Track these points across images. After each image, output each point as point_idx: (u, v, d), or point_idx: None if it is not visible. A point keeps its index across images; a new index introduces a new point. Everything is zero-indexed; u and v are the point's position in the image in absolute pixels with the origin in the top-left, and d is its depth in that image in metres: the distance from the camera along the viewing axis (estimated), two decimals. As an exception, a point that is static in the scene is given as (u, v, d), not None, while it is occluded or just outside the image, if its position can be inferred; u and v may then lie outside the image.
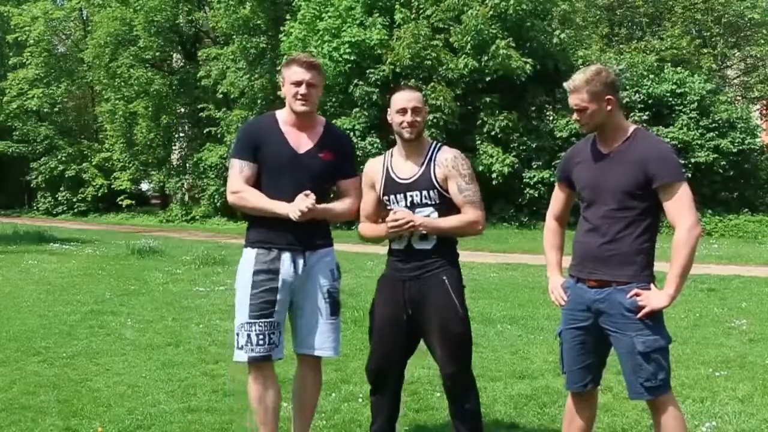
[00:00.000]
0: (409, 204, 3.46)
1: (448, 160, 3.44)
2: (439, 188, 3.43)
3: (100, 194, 33.84)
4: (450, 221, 3.43)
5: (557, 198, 3.44)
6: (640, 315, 3.04)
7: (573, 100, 3.12)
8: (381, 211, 3.61)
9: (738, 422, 4.24)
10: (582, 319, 3.21)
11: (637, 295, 3.05)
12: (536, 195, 20.45)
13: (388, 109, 3.51)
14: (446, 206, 3.44)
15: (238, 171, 3.51)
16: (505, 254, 14.86)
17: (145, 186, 36.59)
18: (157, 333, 6.96)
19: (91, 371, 5.57)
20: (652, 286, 3.09)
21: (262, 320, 3.47)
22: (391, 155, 3.59)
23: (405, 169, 3.50)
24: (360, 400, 4.69)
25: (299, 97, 3.45)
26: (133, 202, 33.05)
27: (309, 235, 3.53)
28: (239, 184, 3.51)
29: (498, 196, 20.99)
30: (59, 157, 34.67)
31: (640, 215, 3.09)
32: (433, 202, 3.44)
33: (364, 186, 3.67)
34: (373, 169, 3.63)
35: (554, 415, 4.38)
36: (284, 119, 3.57)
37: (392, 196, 3.52)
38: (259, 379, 3.55)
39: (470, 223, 3.44)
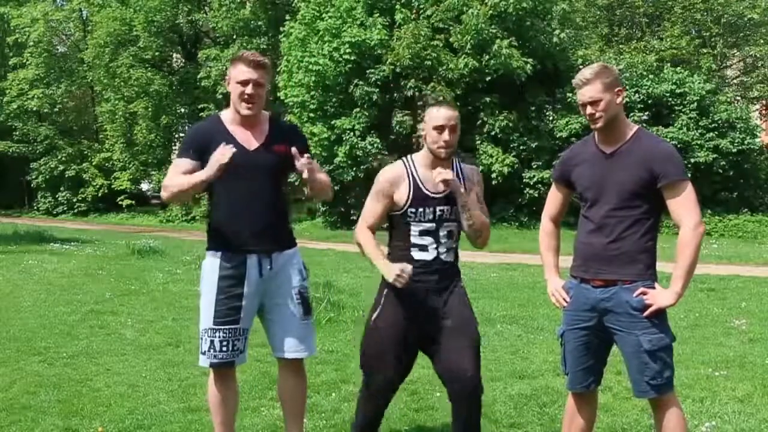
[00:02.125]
0: (437, 218, 3.43)
1: (473, 175, 3.53)
2: None
3: (100, 194, 33.86)
4: (479, 209, 3.48)
5: (554, 199, 3.44)
6: (647, 313, 3.04)
7: (586, 93, 3.08)
8: (383, 222, 3.53)
9: (737, 422, 4.24)
10: (586, 319, 3.21)
11: (643, 293, 3.06)
12: (536, 195, 20.45)
13: (423, 123, 3.41)
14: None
15: (174, 167, 3.45)
16: (505, 254, 14.87)
17: (145, 186, 36.61)
18: (157, 333, 6.96)
19: (91, 371, 5.57)
20: (656, 284, 3.11)
21: (227, 327, 3.42)
22: (414, 165, 3.47)
23: (435, 183, 3.40)
24: (360, 400, 4.69)
25: (245, 98, 3.36)
26: (133, 202, 33.06)
27: (274, 237, 3.47)
28: (168, 178, 3.43)
29: (498, 196, 21.00)
30: (59, 157, 34.69)
31: (643, 214, 3.10)
32: (457, 217, 3.45)
33: (378, 193, 3.46)
34: (395, 179, 3.45)
35: (554, 415, 4.38)
36: (230, 119, 3.47)
37: (421, 209, 3.42)
38: (220, 384, 3.53)
39: (487, 222, 3.50)
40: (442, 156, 3.37)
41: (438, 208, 3.44)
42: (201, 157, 3.38)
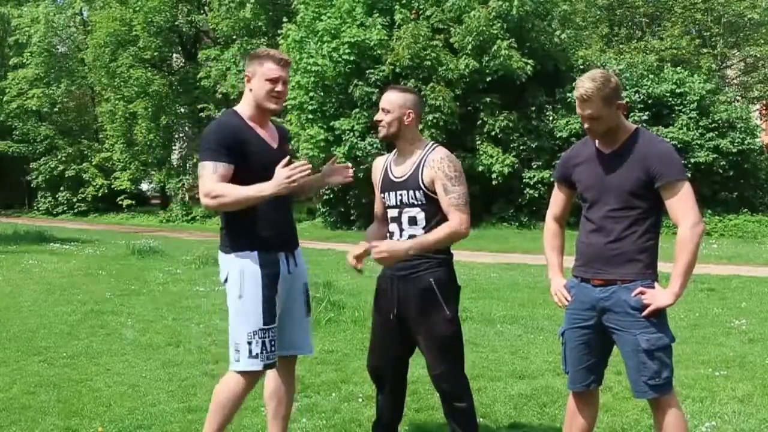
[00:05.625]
0: (398, 202, 3.48)
1: (435, 162, 3.42)
2: (425, 189, 3.42)
3: (100, 194, 33.93)
4: (435, 234, 3.37)
5: (557, 199, 3.45)
6: (645, 313, 3.04)
7: (586, 110, 3.07)
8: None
9: (737, 422, 4.24)
10: (586, 318, 3.22)
11: (642, 293, 3.06)
12: (536, 195, 20.45)
13: None
14: (433, 207, 3.42)
15: (212, 171, 3.26)
16: (505, 254, 14.87)
17: (145, 186, 36.66)
18: (157, 333, 6.96)
19: (91, 371, 5.57)
20: (656, 284, 3.11)
21: (273, 326, 3.38)
22: (395, 154, 3.61)
23: (399, 168, 3.53)
24: (360, 400, 4.69)
25: (275, 94, 3.37)
26: (133, 202, 33.12)
27: (295, 234, 3.51)
28: (213, 184, 3.25)
29: (498, 196, 21.00)
30: (59, 157, 34.75)
31: (642, 214, 3.10)
32: (419, 203, 3.44)
33: (373, 182, 3.69)
34: (376, 167, 3.67)
35: (554, 414, 4.38)
36: (249, 116, 3.41)
37: (386, 194, 3.54)
38: (251, 387, 3.43)
39: (452, 231, 3.37)
40: (380, 135, 3.51)
41: (399, 193, 3.48)
42: (233, 157, 3.28)
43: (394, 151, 3.63)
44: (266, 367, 3.40)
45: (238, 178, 3.29)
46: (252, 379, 3.43)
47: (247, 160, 3.31)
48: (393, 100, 3.47)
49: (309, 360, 5.81)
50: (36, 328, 7.17)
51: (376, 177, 3.64)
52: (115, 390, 5.05)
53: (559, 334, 3.36)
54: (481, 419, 4.26)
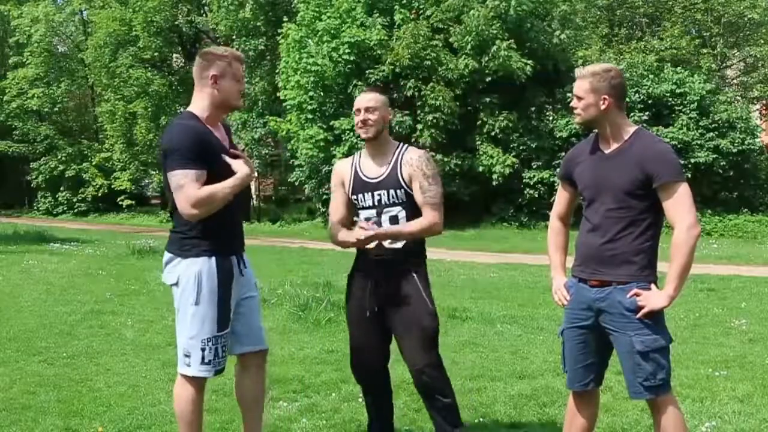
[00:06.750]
0: (376, 203, 3.51)
1: (413, 160, 3.50)
2: (405, 187, 3.49)
3: (100, 194, 33.92)
4: (411, 226, 3.47)
5: (561, 197, 3.46)
6: (639, 315, 3.04)
7: (575, 87, 3.18)
8: (350, 213, 3.66)
9: (737, 422, 4.23)
10: (583, 318, 3.22)
11: (636, 294, 3.06)
12: (536, 195, 20.47)
13: None
14: (413, 205, 3.49)
15: (195, 179, 3.14)
16: (505, 254, 14.87)
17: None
18: (157, 333, 6.96)
19: (91, 371, 5.56)
20: (652, 286, 3.10)
21: (226, 332, 3.35)
22: (360, 156, 3.65)
23: (372, 168, 3.55)
24: (360, 400, 4.68)
25: (241, 94, 3.38)
26: (134, 202, 33.10)
27: (243, 235, 3.51)
28: (200, 192, 3.14)
29: (498, 196, 21.02)
30: (59, 157, 34.74)
31: (640, 215, 3.10)
32: (401, 201, 3.49)
33: (334, 186, 3.70)
34: (342, 169, 3.68)
35: (554, 415, 4.38)
36: (205, 117, 3.30)
37: (360, 195, 3.56)
38: (202, 393, 3.43)
39: (430, 225, 3.48)
40: (361, 135, 3.53)
41: (376, 194, 3.52)
42: (204, 163, 3.19)
43: (359, 153, 3.67)
44: (216, 373, 3.38)
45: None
46: (201, 384, 3.41)
47: (212, 166, 3.22)
48: (378, 98, 3.54)
49: (309, 360, 5.82)
50: (36, 328, 7.17)
51: (344, 179, 3.63)
52: (115, 390, 5.05)
53: (559, 333, 3.36)
54: (481, 419, 4.27)
